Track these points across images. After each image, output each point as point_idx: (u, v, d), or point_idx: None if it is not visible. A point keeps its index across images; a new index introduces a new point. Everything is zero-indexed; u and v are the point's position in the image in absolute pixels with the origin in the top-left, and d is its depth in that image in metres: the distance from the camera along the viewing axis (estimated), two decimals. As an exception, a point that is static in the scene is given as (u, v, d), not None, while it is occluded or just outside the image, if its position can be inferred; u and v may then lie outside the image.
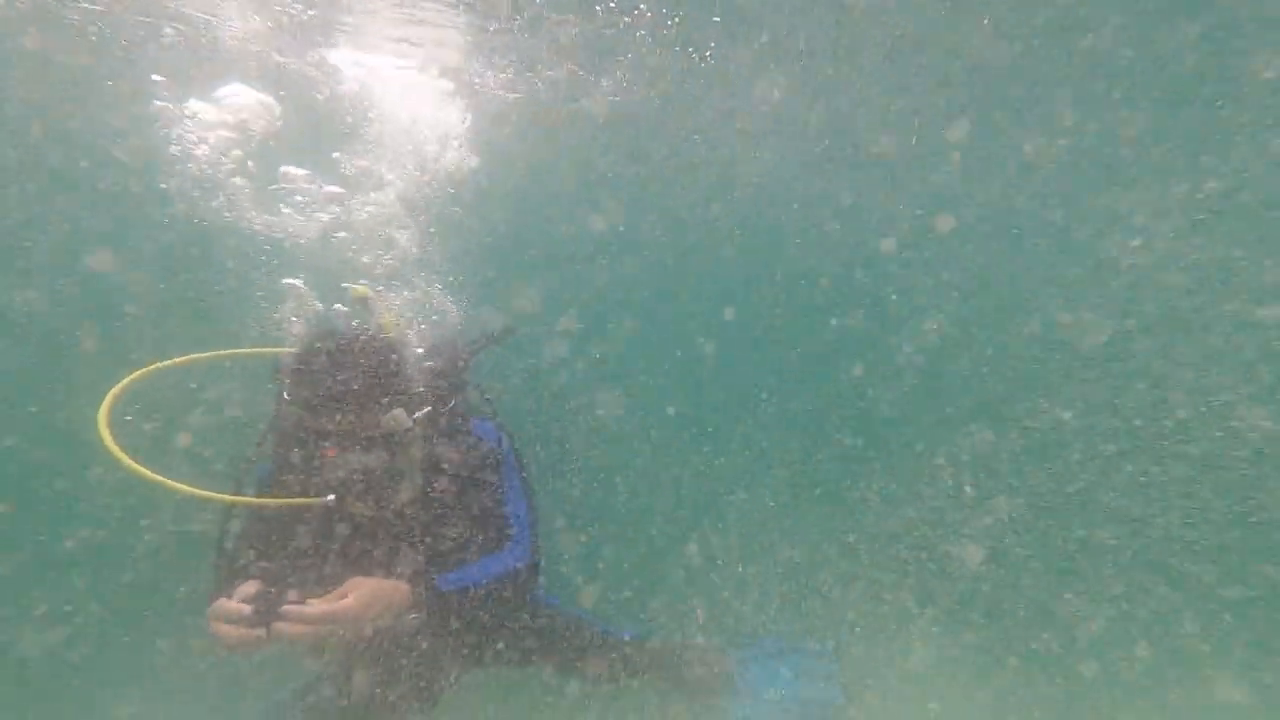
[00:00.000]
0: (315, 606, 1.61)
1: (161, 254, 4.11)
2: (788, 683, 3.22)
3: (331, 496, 1.87)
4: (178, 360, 2.15)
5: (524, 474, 2.22)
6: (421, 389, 2.00)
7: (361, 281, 2.05)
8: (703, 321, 5.04)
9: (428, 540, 2.00)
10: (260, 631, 1.56)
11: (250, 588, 1.67)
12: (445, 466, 2.05)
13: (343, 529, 1.95)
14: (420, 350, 2.07)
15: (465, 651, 2.24)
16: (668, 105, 4.63)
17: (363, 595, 1.66)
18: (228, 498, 1.87)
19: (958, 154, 4.90)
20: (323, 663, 2.06)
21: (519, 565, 2.02)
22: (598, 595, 2.92)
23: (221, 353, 2.24)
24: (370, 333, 1.95)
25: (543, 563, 2.19)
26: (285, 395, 1.94)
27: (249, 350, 2.27)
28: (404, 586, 1.77)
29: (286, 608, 1.58)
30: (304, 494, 1.90)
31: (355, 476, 1.87)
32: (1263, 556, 3.95)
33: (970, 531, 4.16)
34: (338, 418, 1.87)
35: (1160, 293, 4.77)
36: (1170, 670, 3.68)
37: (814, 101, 4.66)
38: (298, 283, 2.32)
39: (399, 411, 1.89)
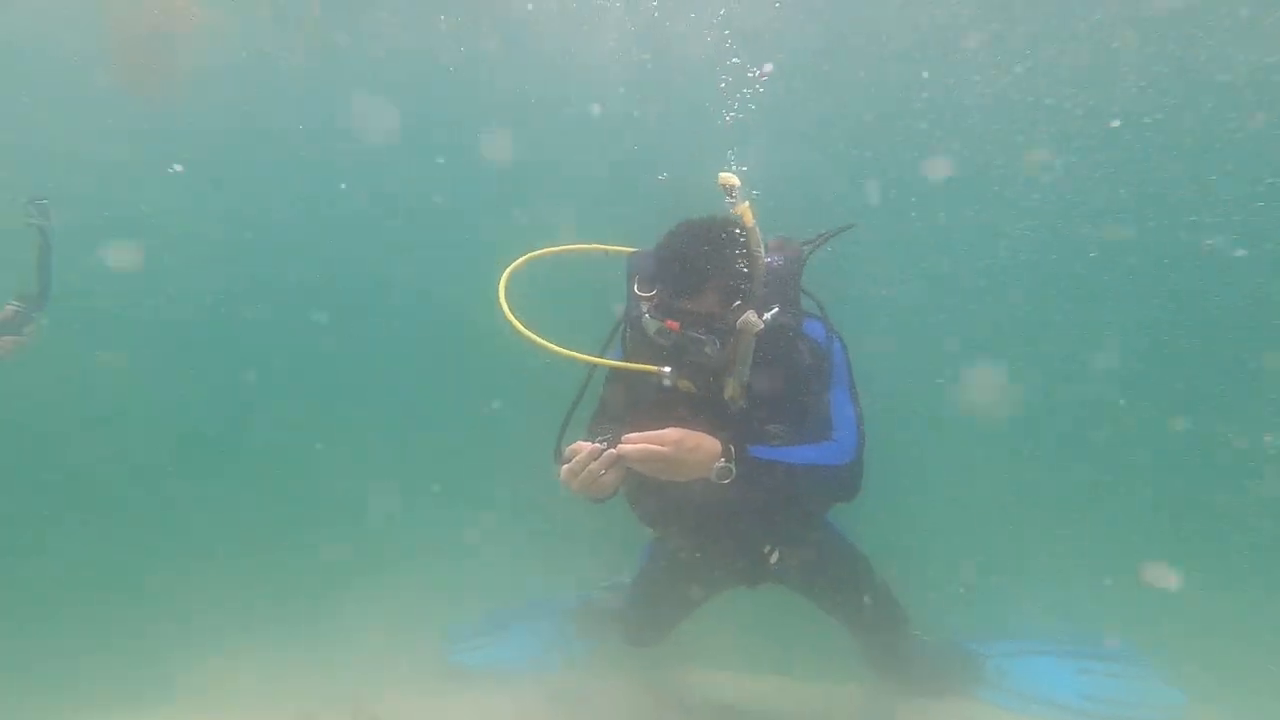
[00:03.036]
0: (643, 434, 1.82)
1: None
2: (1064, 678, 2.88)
3: (668, 369, 2.02)
4: (557, 249, 2.50)
5: (853, 382, 2.14)
6: (765, 284, 2.03)
7: (732, 169, 2.09)
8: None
9: (750, 424, 2.09)
10: (610, 451, 1.80)
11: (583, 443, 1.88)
12: (775, 361, 2.08)
13: (673, 402, 2.10)
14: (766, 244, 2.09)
15: (769, 546, 2.28)
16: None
17: (680, 433, 1.84)
18: (579, 355, 2.10)
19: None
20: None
21: (836, 464, 2.01)
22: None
23: (589, 246, 2.55)
24: (728, 221, 2.01)
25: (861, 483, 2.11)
26: (635, 288, 2.15)
27: (612, 247, 2.52)
28: (716, 441, 1.90)
29: (626, 435, 1.82)
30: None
31: (690, 354, 2.01)
32: None
33: None
34: (683, 302, 2.00)
35: None
36: None
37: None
38: None
39: (751, 314, 1.98)
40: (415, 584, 4.52)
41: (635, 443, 1.79)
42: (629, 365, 2.13)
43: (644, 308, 2.10)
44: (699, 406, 2.09)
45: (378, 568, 4.72)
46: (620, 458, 1.80)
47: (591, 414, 2.36)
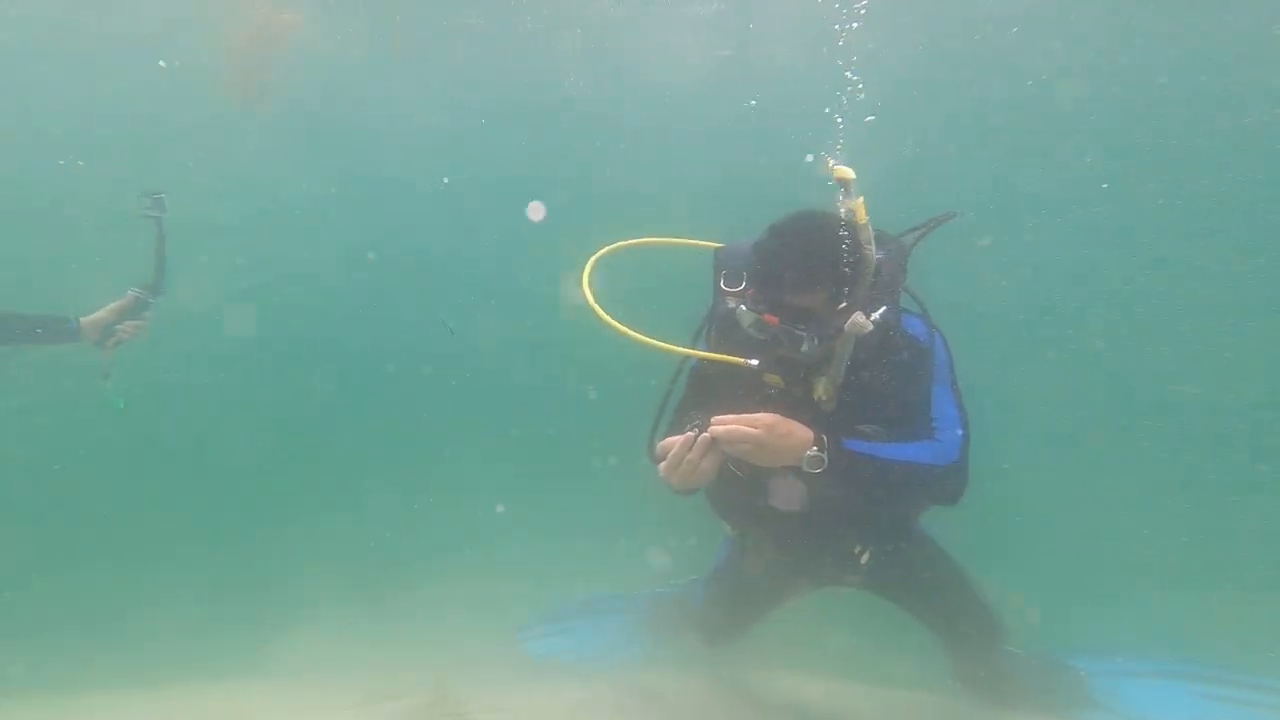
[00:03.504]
0: (736, 416, 1.82)
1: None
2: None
3: (755, 361, 1.96)
4: (641, 241, 2.47)
5: (956, 380, 2.03)
6: (871, 281, 1.94)
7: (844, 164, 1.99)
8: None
9: (840, 424, 2.00)
10: (704, 435, 1.80)
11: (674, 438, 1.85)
12: (872, 361, 2.00)
13: (760, 400, 2.02)
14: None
15: (859, 546, 2.21)
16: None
17: (773, 418, 1.83)
18: (663, 344, 2.06)
19: None
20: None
21: (939, 464, 1.91)
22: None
23: (674, 240, 2.50)
24: (838, 216, 1.93)
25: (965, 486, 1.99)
26: (722, 283, 2.11)
27: (696, 241, 2.46)
28: (809, 430, 1.86)
29: (715, 418, 1.81)
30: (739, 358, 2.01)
31: (785, 350, 1.93)
32: None
33: None
34: (790, 297, 1.94)
35: None
36: None
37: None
38: None
39: (859, 315, 1.89)
40: (492, 570, 4.61)
41: (727, 424, 1.78)
42: (715, 355, 2.07)
43: (732, 302, 2.04)
44: (786, 404, 2.02)
45: (458, 552, 4.82)
46: (714, 440, 1.80)
47: (672, 416, 2.31)
